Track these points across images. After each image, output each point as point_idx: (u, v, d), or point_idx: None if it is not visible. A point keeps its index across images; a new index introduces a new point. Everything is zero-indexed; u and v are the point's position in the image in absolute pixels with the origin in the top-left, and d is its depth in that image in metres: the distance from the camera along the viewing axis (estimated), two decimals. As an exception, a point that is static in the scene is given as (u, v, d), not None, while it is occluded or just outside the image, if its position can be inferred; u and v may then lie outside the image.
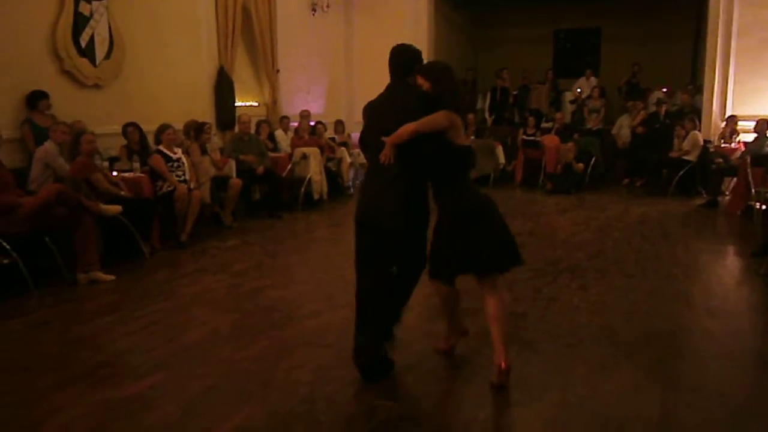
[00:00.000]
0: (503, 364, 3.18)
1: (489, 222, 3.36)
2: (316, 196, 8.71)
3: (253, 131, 8.47)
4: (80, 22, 6.62)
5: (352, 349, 3.39)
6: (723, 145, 9.50)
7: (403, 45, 3.50)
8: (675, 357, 3.70)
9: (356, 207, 3.50)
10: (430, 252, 3.41)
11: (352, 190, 9.98)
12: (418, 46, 3.56)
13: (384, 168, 3.25)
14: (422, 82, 3.36)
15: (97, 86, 6.93)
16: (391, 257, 3.37)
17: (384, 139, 3.22)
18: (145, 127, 6.85)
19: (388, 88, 3.45)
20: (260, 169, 7.97)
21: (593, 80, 12.61)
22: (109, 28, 6.95)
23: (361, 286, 3.50)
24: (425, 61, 3.56)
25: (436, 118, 3.22)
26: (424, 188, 3.35)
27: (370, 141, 3.43)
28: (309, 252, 6.45)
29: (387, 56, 3.43)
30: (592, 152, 10.43)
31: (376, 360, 3.36)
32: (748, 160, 7.85)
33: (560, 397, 3.13)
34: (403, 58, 3.43)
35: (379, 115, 3.41)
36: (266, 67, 9.75)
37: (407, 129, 3.17)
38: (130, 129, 6.61)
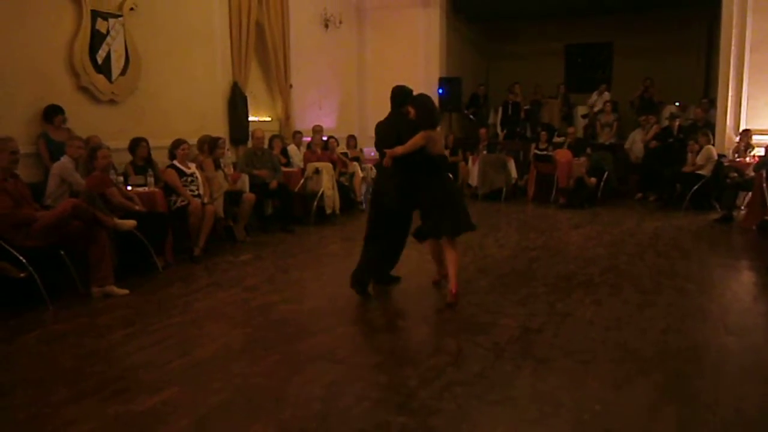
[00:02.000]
0: (454, 289, 4.81)
1: (454, 200, 4.99)
2: (328, 211, 8.73)
3: (266, 146, 8.53)
4: (97, 38, 6.72)
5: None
6: (737, 160, 9.44)
7: (399, 86, 5.13)
8: (691, 373, 3.66)
9: (371, 195, 5.47)
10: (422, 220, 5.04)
11: (364, 204, 9.99)
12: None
13: (386, 168, 4.94)
14: (410, 110, 4.92)
15: (112, 102, 7.02)
16: (393, 222, 5.08)
17: (385, 151, 4.88)
18: (159, 143, 6.92)
19: (390, 114, 5.08)
20: (273, 184, 8.01)
21: (606, 95, 12.59)
22: (125, 44, 7.05)
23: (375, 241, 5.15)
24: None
25: (416, 141, 4.76)
26: (413, 182, 4.89)
27: (379, 150, 5.09)
28: (321, 266, 6.45)
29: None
30: (604, 167, 10.39)
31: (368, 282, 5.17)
32: (764, 174, 7.79)
33: (575, 414, 3.09)
34: (399, 95, 5.06)
35: (384, 133, 5.05)
36: (279, 83, 9.84)
37: (397, 151, 4.80)
38: (143, 144, 6.64)
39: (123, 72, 7.06)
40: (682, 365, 3.76)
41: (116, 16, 6.92)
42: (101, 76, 6.81)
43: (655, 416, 3.07)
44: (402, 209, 5.05)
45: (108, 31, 6.83)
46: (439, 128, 5.12)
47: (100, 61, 6.76)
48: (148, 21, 7.40)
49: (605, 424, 2.99)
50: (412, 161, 4.82)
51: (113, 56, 6.92)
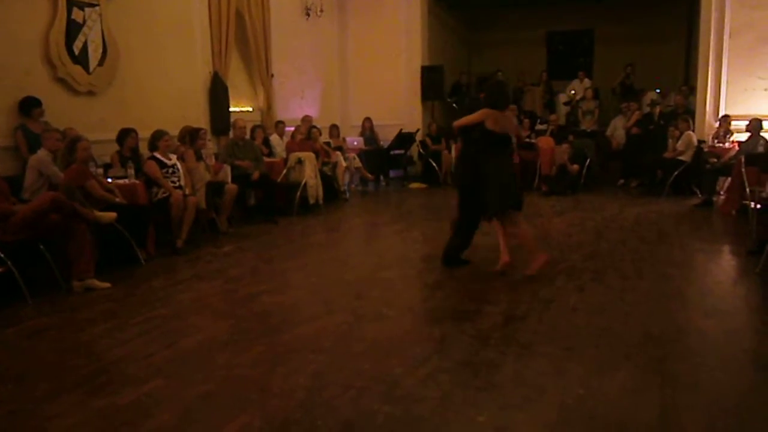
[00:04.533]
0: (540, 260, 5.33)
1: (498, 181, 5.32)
2: (311, 201, 8.71)
3: (248, 136, 8.47)
4: (73, 28, 6.61)
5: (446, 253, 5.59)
6: (717, 145, 9.53)
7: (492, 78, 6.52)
8: (673, 357, 3.70)
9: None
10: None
11: (347, 194, 9.97)
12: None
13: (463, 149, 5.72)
14: (482, 94, 5.85)
15: (90, 93, 6.92)
16: (466, 201, 5.45)
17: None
18: (139, 134, 6.84)
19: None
20: (255, 175, 7.96)
21: (587, 82, 12.64)
22: (103, 34, 6.94)
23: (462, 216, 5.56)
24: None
25: (472, 116, 5.31)
26: (475, 160, 5.31)
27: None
28: (305, 257, 6.43)
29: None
30: (586, 154, 10.45)
31: (456, 257, 5.63)
32: (743, 159, 7.87)
33: (559, 399, 3.12)
34: (484, 84, 5.98)
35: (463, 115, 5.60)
36: (260, 72, 9.75)
37: (458, 123, 5.43)
38: (133, 134, 6.62)
39: (101, 62, 6.96)
40: (664, 349, 3.80)
41: (92, 6, 6.81)
42: (78, 67, 6.70)
43: (638, 400, 3.10)
44: (469, 186, 5.35)
45: (84, 21, 6.73)
46: (508, 111, 5.57)
47: (76, 51, 6.66)
48: (126, 10, 7.29)
49: (589, 409, 3.02)
50: (475, 140, 5.30)
51: (90, 46, 6.82)
